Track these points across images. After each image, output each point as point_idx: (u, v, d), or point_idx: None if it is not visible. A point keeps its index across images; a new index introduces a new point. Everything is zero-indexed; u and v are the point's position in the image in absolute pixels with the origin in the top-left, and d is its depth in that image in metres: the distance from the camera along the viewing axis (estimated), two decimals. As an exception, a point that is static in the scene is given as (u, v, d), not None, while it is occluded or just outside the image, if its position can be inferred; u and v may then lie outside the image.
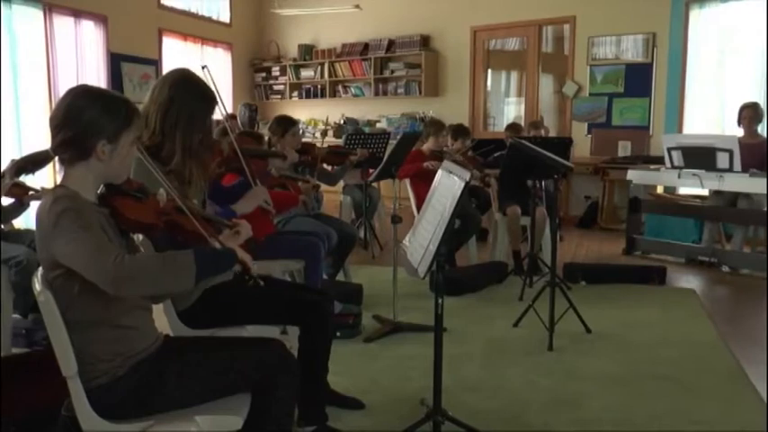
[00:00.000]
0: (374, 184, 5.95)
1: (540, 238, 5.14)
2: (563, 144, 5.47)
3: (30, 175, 3.17)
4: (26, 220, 4.59)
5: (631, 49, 7.69)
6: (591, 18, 7.88)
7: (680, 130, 7.27)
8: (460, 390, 3.02)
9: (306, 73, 10.27)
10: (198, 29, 9.34)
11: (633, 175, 6.06)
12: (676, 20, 7.31)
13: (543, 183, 5.31)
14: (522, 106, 8.82)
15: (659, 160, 6.11)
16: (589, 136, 7.98)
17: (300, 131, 4.58)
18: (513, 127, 6.40)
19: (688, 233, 6.13)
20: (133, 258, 1.65)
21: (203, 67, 2.59)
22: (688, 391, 3.06)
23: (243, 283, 1.92)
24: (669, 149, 5.55)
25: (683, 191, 6.80)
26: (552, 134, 7.85)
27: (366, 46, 9.66)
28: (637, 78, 7.68)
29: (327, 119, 5.69)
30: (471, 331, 3.87)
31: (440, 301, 2.36)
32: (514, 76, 9.25)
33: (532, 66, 8.63)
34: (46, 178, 5.88)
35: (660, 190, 6.87)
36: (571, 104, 8.20)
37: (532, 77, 8.67)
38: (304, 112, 10.02)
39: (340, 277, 4.58)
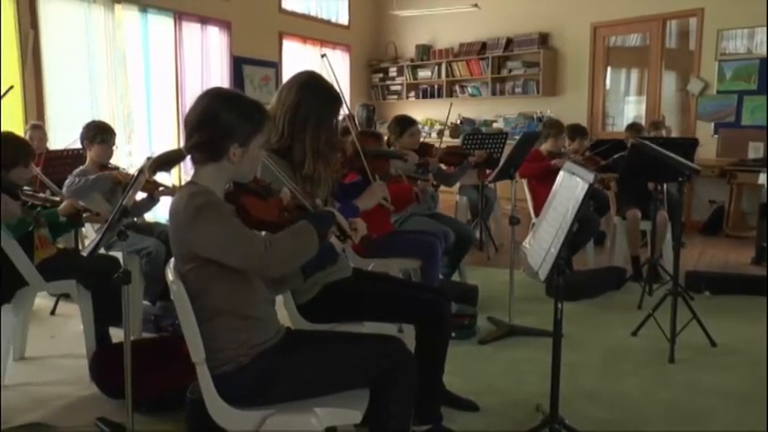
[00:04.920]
0: (490, 185, 5.93)
1: (661, 243, 4.96)
2: (688, 145, 5.22)
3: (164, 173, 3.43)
4: (154, 214, 4.94)
5: (767, 43, 7.20)
6: (721, 10, 7.44)
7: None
8: (577, 398, 2.98)
9: (423, 73, 10.34)
10: (317, 31, 9.61)
11: (765, 178, 5.70)
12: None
13: (665, 186, 5.11)
14: (643, 105, 8.48)
15: (795, 164, 5.73)
16: (715, 136, 7.55)
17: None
18: (634, 127, 6.18)
19: (826, 242, 5.71)
20: (276, 240, 1.76)
21: (323, 56, 2.66)
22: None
23: (341, 241, 2.00)
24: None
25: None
26: (674, 134, 7.51)
27: (484, 45, 9.60)
28: (772, 74, 7.19)
29: (451, 107, 5.65)
30: (588, 338, 3.80)
31: (559, 306, 2.34)
32: (635, 73, 8.93)
33: (655, 62, 8.28)
34: (170, 175, 6.29)
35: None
36: (696, 103, 7.80)
37: (654, 75, 8.31)
38: (420, 112, 10.08)
39: (455, 278, 4.62)
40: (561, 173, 2.50)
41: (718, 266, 5.61)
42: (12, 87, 3.31)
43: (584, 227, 4.95)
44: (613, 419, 2.82)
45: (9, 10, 6.01)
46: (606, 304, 4.51)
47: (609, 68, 8.81)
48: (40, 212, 3.18)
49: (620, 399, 3.02)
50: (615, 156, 5.63)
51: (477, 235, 5.71)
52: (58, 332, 3.98)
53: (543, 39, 8.99)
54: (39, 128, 5.30)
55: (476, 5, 9.32)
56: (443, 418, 2.62)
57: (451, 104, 6.72)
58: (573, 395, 2.98)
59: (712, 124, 7.65)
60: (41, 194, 3.19)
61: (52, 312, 4.33)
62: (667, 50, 8.26)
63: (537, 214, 5.06)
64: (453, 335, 3.60)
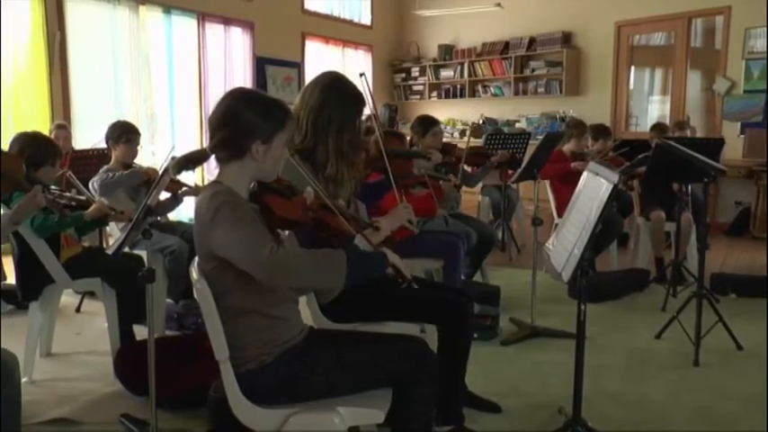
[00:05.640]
0: (513, 186, 5.90)
1: (685, 245, 4.90)
2: (714, 145, 5.15)
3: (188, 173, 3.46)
4: (177, 214, 4.99)
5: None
6: (749, 7, 7.32)
7: None
8: (600, 400, 2.95)
9: (445, 73, 10.33)
10: (339, 32, 9.64)
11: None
12: None
13: (690, 187, 5.05)
14: (668, 105, 8.39)
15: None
16: (742, 137, 7.45)
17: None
18: (659, 127, 6.10)
19: None
20: (288, 251, 1.75)
21: (361, 75, 2.65)
22: None
23: (396, 286, 1.95)
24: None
25: None
26: (699, 135, 7.40)
27: (506, 45, 9.57)
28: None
29: (481, 118, 5.63)
30: (612, 340, 3.76)
31: (582, 307, 2.32)
32: (659, 72, 8.83)
33: (680, 61, 8.18)
34: (194, 175, 6.35)
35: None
36: (722, 102, 7.70)
37: (679, 74, 8.22)
38: (443, 112, 10.07)
39: (477, 278, 4.60)
40: (585, 173, 2.47)
41: (744, 269, 5.53)
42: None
43: (608, 228, 4.91)
44: (637, 422, 2.78)
45: (37, 12, 6.10)
46: (629, 306, 4.47)
47: (633, 68, 8.74)
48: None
49: (644, 402, 2.99)
50: (639, 156, 5.57)
51: (500, 235, 5.68)
52: (83, 329, 4.03)
53: (566, 38, 8.94)
54: (64, 127, 5.38)
55: (499, 5, 9.29)
56: (465, 418, 2.61)
57: (482, 116, 6.66)
58: (596, 397, 2.95)
59: (739, 124, 7.55)
60: (67, 193, 3.23)
61: (77, 310, 4.38)
62: (692, 49, 8.16)
63: (560, 215, 5.03)
64: (475, 335, 3.59)
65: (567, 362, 3.00)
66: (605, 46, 8.66)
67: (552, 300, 4.32)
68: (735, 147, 7.30)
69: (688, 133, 6.34)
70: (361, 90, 2.48)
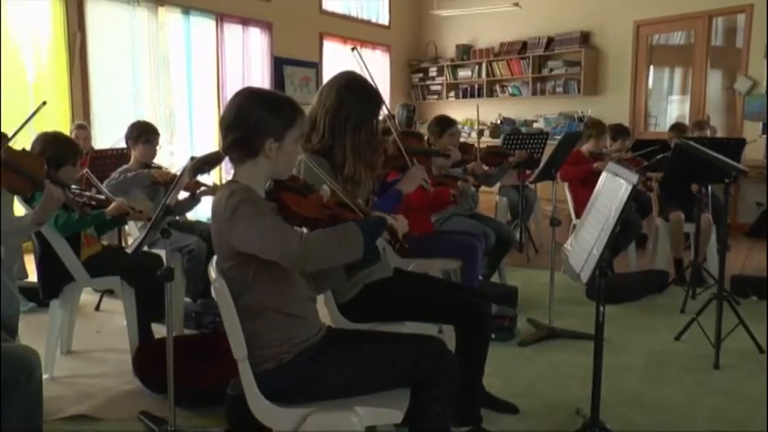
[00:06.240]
0: (531, 186, 5.88)
1: (705, 246, 4.85)
2: (735, 145, 5.09)
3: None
4: (195, 213, 5.02)
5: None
6: (772, 6, 7.24)
7: None
8: (619, 402, 2.93)
9: (463, 73, 10.32)
10: (357, 32, 9.65)
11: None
12: None
13: (710, 187, 4.99)
14: (687, 105, 8.32)
15: None
16: (763, 137, 7.35)
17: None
18: (678, 127, 6.04)
19: None
20: (312, 235, 1.77)
21: (353, 49, 2.65)
22: None
23: (392, 247, 1.99)
24: None
25: None
26: (720, 135, 7.32)
27: (524, 44, 9.54)
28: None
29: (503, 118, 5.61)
30: (630, 342, 3.73)
31: (601, 308, 2.30)
32: (679, 72, 8.76)
33: (700, 61, 8.11)
34: (210, 175, 6.39)
35: None
36: (743, 102, 7.61)
37: (699, 73, 8.14)
38: (460, 112, 10.04)
39: (495, 279, 4.59)
40: (604, 174, 2.46)
41: (766, 270, 5.46)
42: (44, 103, 3.37)
43: (626, 229, 4.87)
44: (656, 425, 2.76)
45: (59, 13, 6.17)
46: (648, 308, 4.43)
47: (652, 67, 8.68)
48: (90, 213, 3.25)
49: (663, 404, 2.96)
50: (658, 156, 5.52)
51: (517, 236, 5.66)
52: (102, 327, 4.07)
53: (585, 37, 8.89)
54: (84, 128, 5.43)
55: (516, 4, 9.26)
56: (483, 419, 2.60)
57: (499, 116, 6.64)
58: (614, 400, 2.93)
59: (760, 124, 7.46)
60: (87, 193, 3.27)
61: (97, 308, 4.43)
62: (713, 48, 8.08)
63: (578, 216, 5.00)
64: (493, 336, 3.57)
65: (584, 363, 3.00)
66: (624, 45, 8.60)
67: (570, 301, 4.30)
68: (757, 147, 7.19)
69: (708, 133, 6.27)
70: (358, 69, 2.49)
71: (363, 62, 2.58)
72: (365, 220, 1.94)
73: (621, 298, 4.46)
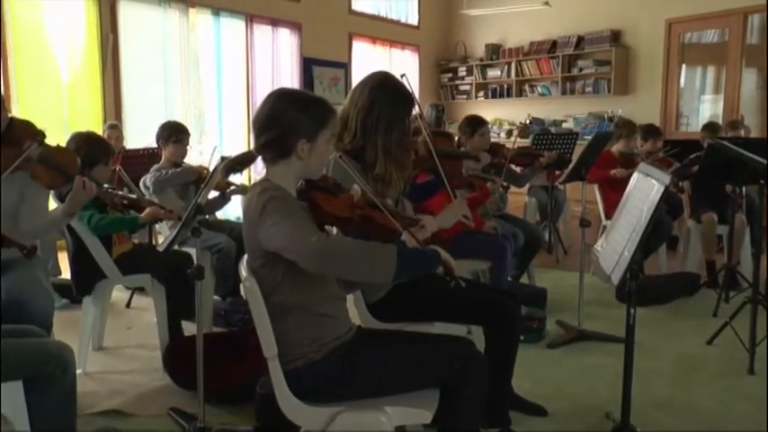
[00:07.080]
0: (560, 186, 5.83)
1: (738, 248, 4.76)
2: (771, 146, 4.99)
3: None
4: (224, 212, 5.07)
5: None
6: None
7: None
8: (649, 406, 2.89)
9: (492, 73, 10.28)
10: (386, 32, 9.66)
11: None
12: None
13: (744, 188, 4.90)
14: (720, 104, 8.18)
15: None
16: (800, 137, 7.21)
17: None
18: (710, 127, 5.94)
19: None
20: (337, 239, 1.76)
21: (402, 75, 2.65)
22: None
23: (445, 285, 1.90)
24: None
25: None
26: (754, 135, 7.18)
27: (554, 44, 9.47)
28: None
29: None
30: (661, 345, 3.68)
31: (632, 311, 2.28)
32: (711, 71, 8.60)
33: (734, 59, 7.96)
34: (241, 175, 6.43)
35: None
36: (779, 102, 7.46)
37: (733, 72, 8.00)
38: (490, 112, 9.99)
39: (524, 280, 4.56)
40: (635, 174, 2.43)
41: (801, 274, 5.34)
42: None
43: (657, 230, 4.80)
44: (687, 430, 2.72)
45: (92, 15, 6.28)
46: (679, 311, 4.37)
47: (684, 66, 8.54)
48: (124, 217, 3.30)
49: (695, 409, 2.92)
50: (691, 156, 5.43)
51: (546, 237, 5.61)
52: (133, 324, 4.12)
53: (615, 36, 8.79)
54: (116, 127, 5.51)
55: (546, 3, 9.18)
56: (512, 421, 2.58)
57: (528, 116, 6.57)
58: (644, 403, 2.89)
59: (796, 124, 7.31)
60: (120, 192, 3.31)
61: (128, 305, 4.49)
62: (748, 46, 7.93)
63: (608, 217, 4.94)
64: (522, 338, 3.53)
65: (613, 366, 2.96)
66: (655, 44, 8.49)
67: (599, 303, 4.25)
68: (792, 147, 7.05)
69: (742, 133, 6.15)
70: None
71: (410, 85, 2.56)
72: (410, 249, 1.90)
73: (652, 300, 4.39)
